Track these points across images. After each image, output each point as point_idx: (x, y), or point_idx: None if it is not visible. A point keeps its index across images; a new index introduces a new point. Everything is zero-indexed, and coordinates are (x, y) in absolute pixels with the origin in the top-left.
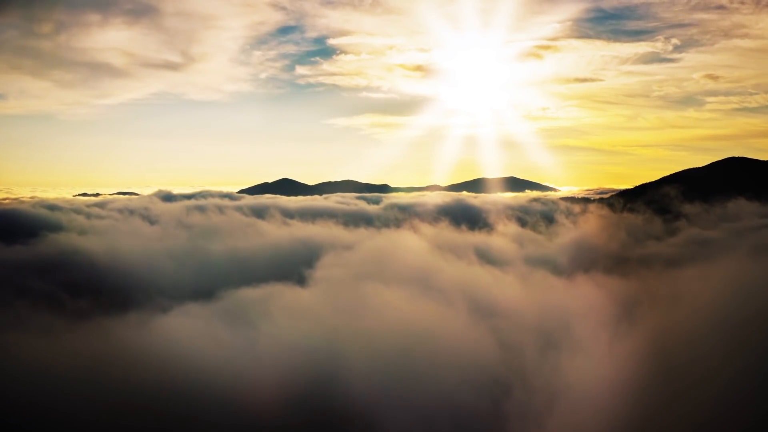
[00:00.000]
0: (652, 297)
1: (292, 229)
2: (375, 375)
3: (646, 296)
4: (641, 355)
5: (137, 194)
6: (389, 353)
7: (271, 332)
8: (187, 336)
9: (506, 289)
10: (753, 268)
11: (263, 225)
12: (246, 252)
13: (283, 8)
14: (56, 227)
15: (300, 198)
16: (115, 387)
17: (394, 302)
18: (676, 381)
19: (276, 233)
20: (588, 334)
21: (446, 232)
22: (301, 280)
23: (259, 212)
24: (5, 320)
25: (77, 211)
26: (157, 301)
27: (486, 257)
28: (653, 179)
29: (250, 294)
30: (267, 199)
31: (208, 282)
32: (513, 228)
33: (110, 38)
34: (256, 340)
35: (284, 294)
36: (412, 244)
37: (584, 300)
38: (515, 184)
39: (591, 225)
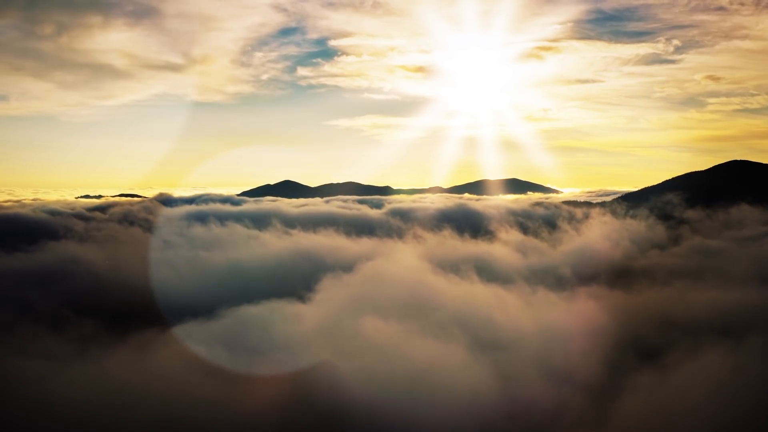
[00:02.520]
0: (657, 320)
1: (294, 239)
2: (376, 413)
3: (652, 317)
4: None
5: (139, 196)
6: (390, 390)
7: (270, 362)
8: (187, 361)
9: (509, 312)
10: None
11: (265, 236)
12: (247, 265)
13: (284, 10)
14: (57, 233)
15: (302, 200)
16: (118, 418)
17: (395, 336)
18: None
19: (278, 245)
20: (594, 364)
21: (449, 241)
22: (302, 297)
23: (261, 219)
24: (7, 343)
25: (78, 216)
26: (158, 320)
27: (489, 271)
28: (655, 181)
29: (250, 312)
30: (269, 202)
31: (209, 297)
32: (515, 235)
33: (112, 40)
34: (255, 369)
35: (285, 315)
36: (413, 263)
37: (589, 324)
38: (517, 185)
39: (593, 232)
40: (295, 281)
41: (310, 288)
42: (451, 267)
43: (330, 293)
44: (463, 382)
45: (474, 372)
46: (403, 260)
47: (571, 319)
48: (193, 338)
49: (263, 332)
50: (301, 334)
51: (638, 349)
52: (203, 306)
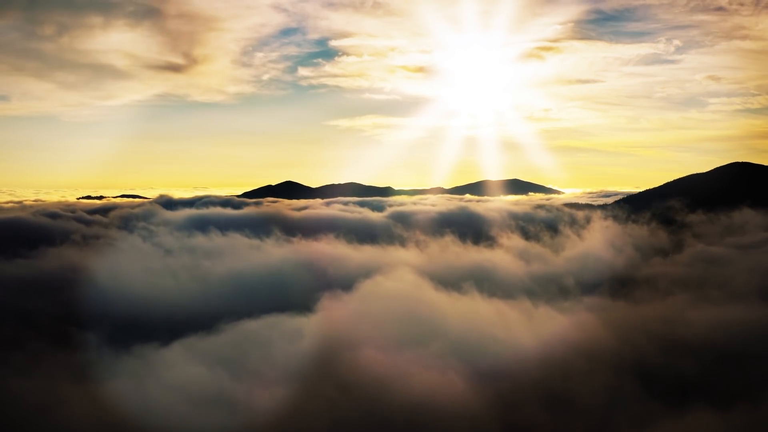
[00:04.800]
0: (660, 339)
1: (295, 248)
2: None
3: (654, 336)
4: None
5: (140, 197)
6: (390, 425)
7: (269, 389)
8: (187, 383)
9: (511, 332)
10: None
11: (265, 246)
12: (248, 276)
13: (285, 10)
14: (58, 239)
15: (303, 202)
16: None
17: (394, 366)
18: None
19: (278, 254)
20: (595, 392)
21: (451, 247)
22: (302, 311)
23: (262, 225)
24: (10, 361)
25: (79, 219)
26: (158, 333)
27: (491, 281)
28: (656, 181)
29: (251, 327)
30: (269, 204)
31: (209, 309)
32: (517, 241)
33: (113, 40)
34: (255, 396)
35: (285, 333)
36: (413, 280)
37: (591, 344)
38: (518, 186)
39: (595, 238)
40: (296, 294)
41: (311, 301)
42: (453, 280)
43: (329, 314)
44: (463, 413)
45: (474, 402)
46: (404, 277)
47: (574, 339)
48: (194, 355)
49: (263, 351)
50: (300, 359)
51: (640, 373)
52: (204, 319)
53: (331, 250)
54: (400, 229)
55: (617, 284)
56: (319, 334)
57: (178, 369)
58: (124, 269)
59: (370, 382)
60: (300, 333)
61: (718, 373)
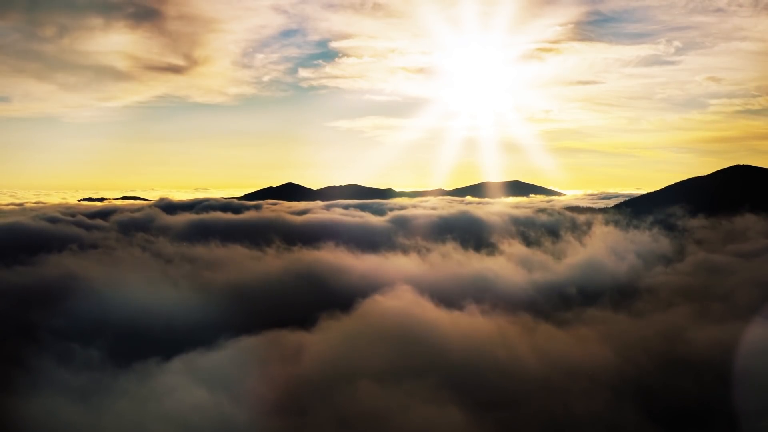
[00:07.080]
0: (661, 356)
1: (295, 258)
2: None
3: (655, 354)
4: None
5: (141, 198)
6: None
7: (268, 412)
8: (187, 406)
9: (512, 353)
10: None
11: (266, 257)
12: (248, 288)
13: (285, 12)
14: (58, 244)
15: (303, 204)
16: None
17: (393, 397)
18: None
19: (279, 265)
20: (597, 417)
21: (452, 254)
22: (302, 326)
23: (262, 231)
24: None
25: (79, 224)
26: (158, 347)
27: (493, 292)
28: (657, 182)
29: (250, 343)
30: (270, 207)
31: (209, 322)
32: (519, 248)
33: (113, 42)
34: (254, 424)
35: (284, 351)
36: (413, 300)
37: (594, 362)
38: (519, 188)
39: (597, 244)
40: (296, 308)
41: (311, 316)
42: (454, 293)
43: (328, 336)
44: None
45: None
46: (403, 295)
47: (575, 357)
48: (194, 374)
49: (262, 371)
50: (298, 384)
51: (641, 396)
52: (204, 332)
53: (331, 259)
54: (400, 235)
55: (619, 295)
56: (317, 360)
57: (178, 393)
58: (124, 278)
59: (368, 415)
60: (299, 351)
61: (719, 397)
